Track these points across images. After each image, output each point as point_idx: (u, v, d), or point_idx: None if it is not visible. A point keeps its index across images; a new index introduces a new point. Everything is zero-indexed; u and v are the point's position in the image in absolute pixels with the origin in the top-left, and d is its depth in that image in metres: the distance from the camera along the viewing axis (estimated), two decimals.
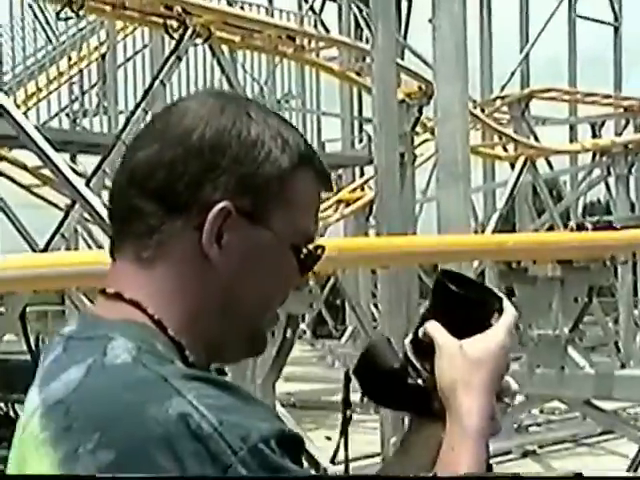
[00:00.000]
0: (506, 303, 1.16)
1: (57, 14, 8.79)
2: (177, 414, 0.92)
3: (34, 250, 8.74)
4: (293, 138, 1.08)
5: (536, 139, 12.86)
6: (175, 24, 8.45)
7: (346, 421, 1.19)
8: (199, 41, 8.73)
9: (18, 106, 9.37)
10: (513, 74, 16.61)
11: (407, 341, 1.13)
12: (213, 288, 1.04)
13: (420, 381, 1.12)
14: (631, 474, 5.87)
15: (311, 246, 1.09)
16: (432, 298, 1.14)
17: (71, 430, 0.93)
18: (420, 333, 1.13)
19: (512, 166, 12.49)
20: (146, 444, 0.91)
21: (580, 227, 6.34)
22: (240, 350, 1.12)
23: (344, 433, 1.22)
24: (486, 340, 1.11)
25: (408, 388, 1.12)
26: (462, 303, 1.11)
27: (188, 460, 0.91)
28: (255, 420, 0.93)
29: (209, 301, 1.05)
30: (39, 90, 10.65)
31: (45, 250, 7.25)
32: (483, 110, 13.27)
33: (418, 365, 1.12)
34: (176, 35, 8.45)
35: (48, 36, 11.07)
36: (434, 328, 1.12)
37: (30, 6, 10.54)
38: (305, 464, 0.99)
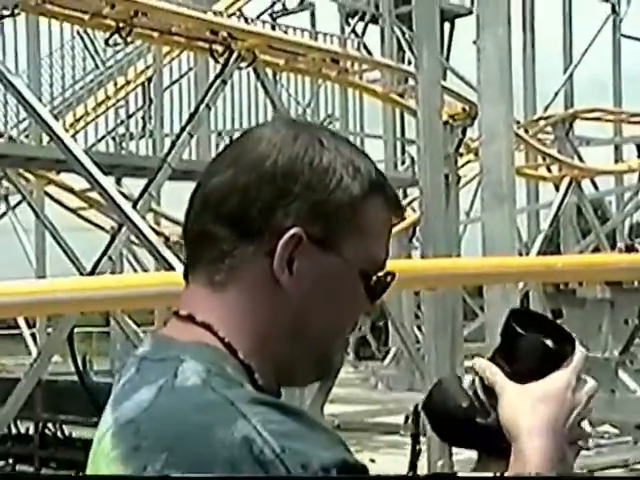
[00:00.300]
0: (577, 345, 1.12)
1: (106, 41, 8.90)
2: (241, 437, 0.93)
3: (81, 273, 8.82)
4: (364, 166, 1.09)
5: (580, 159, 12.78)
6: (220, 48, 8.54)
7: (415, 455, 1.21)
8: (244, 65, 8.80)
9: (66, 130, 9.49)
10: (557, 94, 16.51)
11: (477, 379, 1.12)
12: (284, 313, 1.06)
13: (489, 420, 1.10)
14: None
15: (381, 273, 1.09)
16: (501, 339, 1.12)
17: (140, 449, 0.94)
18: None
19: (556, 187, 12.42)
20: (211, 466, 0.92)
21: (629, 248, 6.28)
22: (309, 374, 1.12)
23: (413, 468, 1.23)
24: (549, 381, 1.09)
25: (477, 427, 1.11)
26: (532, 349, 1.09)
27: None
28: (317, 448, 0.93)
29: (279, 326, 1.06)
30: (87, 114, 10.80)
31: (92, 273, 7.32)
32: (527, 131, 13.22)
33: (487, 404, 1.11)
34: (221, 59, 8.54)
35: (95, 61, 11.23)
36: (493, 372, 1.11)
37: (78, 32, 10.70)
38: None
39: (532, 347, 1.09)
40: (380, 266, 1.10)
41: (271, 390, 1.05)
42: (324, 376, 1.15)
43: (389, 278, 1.11)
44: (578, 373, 1.09)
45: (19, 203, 12.69)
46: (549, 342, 1.09)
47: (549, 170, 13.50)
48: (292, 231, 1.03)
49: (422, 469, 6.24)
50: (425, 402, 1.15)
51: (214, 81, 8.52)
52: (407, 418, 9.73)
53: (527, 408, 1.07)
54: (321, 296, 1.06)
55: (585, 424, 1.11)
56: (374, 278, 1.08)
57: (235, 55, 8.44)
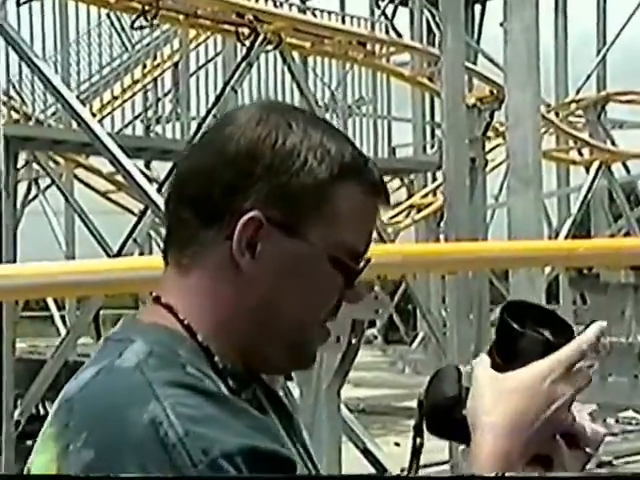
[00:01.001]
0: (577, 337, 1.03)
1: (132, 23, 8.95)
2: (149, 419, 0.93)
3: (108, 255, 8.90)
4: (337, 149, 1.06)
5: (613, 143, 12.66)
6: (246, 31, 8.54)
7: (416, 451, 1.09)
8: (270, 48, 8.80)
9: (94, 114, 9.56)
10: (589, 76, 16.33)
11: (466, 369, 1.08)
12: (246, 297, 1.04)
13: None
14: None
15: (355, 260, 1.06)
16: (496, 334, 1.07)
17: (68, 427, 0.96)
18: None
19: (587, 170, 12.32)
20: (120, 447, 0.93)
21: None
22: (283, 362, 1.09)
23: (415, 463, 1.15)
24: (524, 372, 1.00)
25: (457, 418, 1.05)
26: (525, 341, 1.03)
27: (150, 467, 0.93)
28: (226, 434, 0.92)
29: (242, 310, 1.05)
30: (114, 98, 10.87)
31: (118, 255, 7.39)
32: (558, 114, 13.11)
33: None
34: (247, 42, 8.55)
35: (125, 44, 11.29)
36: (478, 361, 1.04)
37: (108, 15, 10.76)
38: None
39: (527, 341, 1.03)
40: (355, 252, 1.06)
41: (237, 373, 1.04)
42: (301, 367, 1.12)
43: (362, 264, 1.07)
44: (568, 363, 0.99)
45: (49, 186, 12.81)
46: (546, 333, 1.03)
47: (580, 154, 13.39)
48: (250, 214, 1.02)
49: (443, 453, 6.24)
50: (424, 392, 1.12)
51: (240, 64, 8.55)
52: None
53: (490, 401, 0.99)
54: (287, 282, 1.04)
55: (597, 428, 1.01)
56: (346, 265, 1.05)
57: (261, 38, 8.45)
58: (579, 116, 13.48)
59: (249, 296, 1.04)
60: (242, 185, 1.04)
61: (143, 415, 0.93)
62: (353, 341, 5.20)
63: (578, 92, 15.52)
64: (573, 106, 13.55)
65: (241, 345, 1.05)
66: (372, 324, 14.65)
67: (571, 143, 13.19)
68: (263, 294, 1.04)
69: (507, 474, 0.93)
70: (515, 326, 1.03)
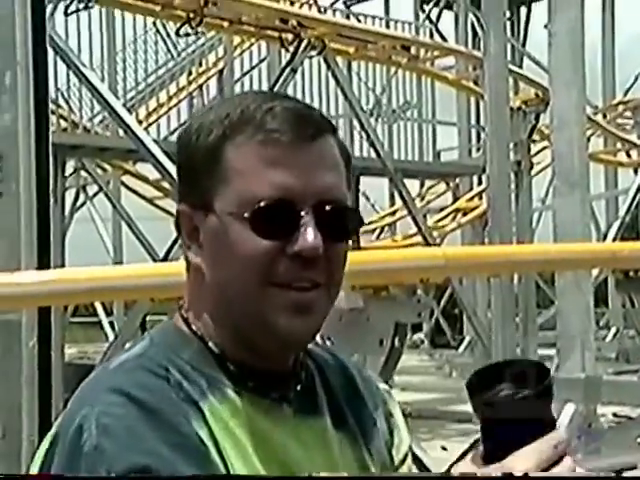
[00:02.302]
0: (565, 411, 0.92)
1: (177, 31, 9.05)
2: (78, 424, 0.94)
3: (155, 260, 9.00)
4: (230, 112, 1.02)
5: None
6: (290, 37, 8.60)
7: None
8: (314, 53, 8.84)
9: (140, 122, 9.69)
10: (638, 77, 16.17)
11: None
12: (205, 283, 1.03)
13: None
14: None
15: (263, 203, 0.98)
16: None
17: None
18: None
19: (636, 172, 12.21)
20: (64, 443, 0.95)
21: None
22: (263, 341, 1.02)
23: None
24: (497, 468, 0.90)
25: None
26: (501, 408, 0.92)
27: (69, 471, 0.94)
28: (127, 451, 0.91)
29: (206, 296, 1.04)
30: (160, 106, 11.00)
31: (165, 260, 7.48)
32: (605, 116, 13.00)
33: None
34: (291, 48, 8.60)
35: (171, 52, 11.41)
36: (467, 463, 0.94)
37: (154, 24, 10.89)
38: None
39: (503, 407, 0.92)
40: (263, 198, 0.99)
41: (237, 363, 1.03)
42: (281, 342, 1.02)
43: (275, 201, 0.98)
44: (541, 461, 0.89)
45: (96, 193, 12.98)
46: (525, 392, 0.91)
47: (628, 155, 13.27)
48: (179, 208, 1.05)
49: None
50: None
51: (284, 69, 8.60)
52: None
53: None
54: (220, 258, 1.01)
55: None
56: (252, 213, 0.98)
57: (305, 43, 8.50)
58: (627, 117, 13.35)
59: (210, 286, 1.03)
60: (178, 184, 1.08)
61: (77, 419, 0.95)
62: (396, 344, 5.25)
63: (626, 93, 15.39)
64: (621, 107, 13.43)
65: (232, 336, 1.03)
66: (419, 328, 14.63)
67: (619, 145, 13.07)
68: (214, 278, 1.02)
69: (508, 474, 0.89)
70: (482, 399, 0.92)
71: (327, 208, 1.01)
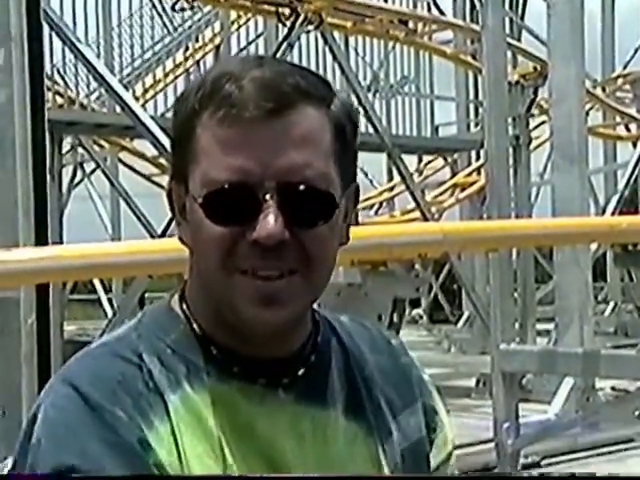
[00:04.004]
0: None
1: (173, 6, 9.01)
2: (32, 414, 0.94)
3: (152, 237, 9.01)
4: (204, 80, 0.96)
5: None
6: (287, 12, 8.54)
7: None
8: (311, 28, 8.80)
9: (137, 98, 9.67)
10: (637, 50, 16.12)
11: None
12: (193, 262, 1.00)
13: None
14: None
15: (214, 188, 0.93)
16: None
17: None
18: None
19: (635, 146, 12.18)
20: (23, 428, 0.96)
21: None
22: (239, 326, 0.97)
23: None
24: None
25: None
26: None
27: (16, 456, 0.94)
28: (60, 449, 0.90)
29: (196, 281, 1.01)
30: (157, 82, 10.97)
31: (162, 236, 7.48)
32: (604, 89, 12.97)
33: None
34: (288, 23, 8.55)
35: (167, 28, 11.37)
36: None
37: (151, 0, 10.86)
38: None
39: None
40: (219, 182, 0.92)
41: (222, 347, 0.99)
42: (249, 333, 0.97)
43: (230, 185, 0.92)
44: None
45: (94, 170, 12.96)
46: None
47: (628, 129, 13.25)
48: (167, 185, 1.01)
49: (488, 431, 6.27)
50: None
51: (280, 44, 8.56)
52: (478, 381, 9.74)
53: None
54: (194, 235, 0.97)
55: None
56: (206, 197, 0.93)
57: (301, 18, 8.43)
58: (627, 91, 13.31)
59: (196, 263, 0.99)
60: (170, 159, 1.02)
61: (34, 409, 0.95)
62: (394, 319, 5.26)
63: (626, 66, 15.34)
64: (620, 81, 13.38)
65: (215, 320, 0.99)
66: (417, 304, 14.66)
67: (618, 119, 13.05)
68: (195, 256, 0.99)
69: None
70: None
71: (293, 190, 0.92)
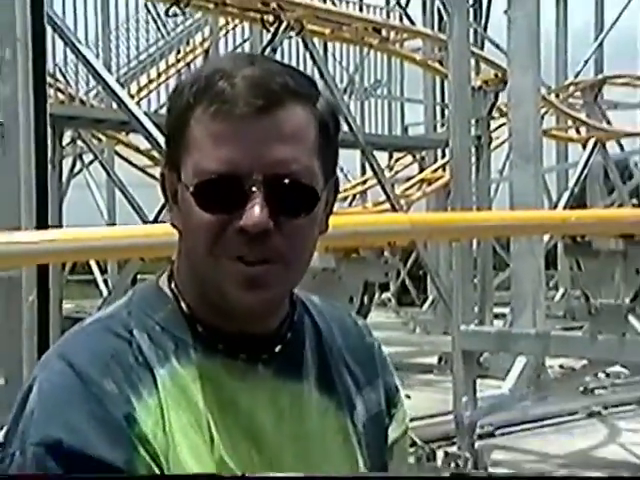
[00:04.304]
0: None
1: (166, 11, 8.95)
2: (28, 387, 0.93)
3: (145, 223, 8.96)
4: (198, 77, 0.94)
5: (608, 122, 12.56)
6: (271, 19, 8.52)
7: None
8: (293, 34, 8.77)
9: (133, 96, 9.61)
10: (587, 61, 16.19)
11: None
12: (182, 245, 0.99)
13: None
14: None
15: (205, 178, 0.91)
16: None
17: None
18: None
19: (584, 147, 12.25)
20: (18, 397, 0.94)
21: None
22: (224, 306, 0.96)
23: None
24: None
25: None
26: None
27: (10, 423, 0.92)
28: (49, 422, 0.88)
29: (185, 263, 0.99)
30: (151, 81, 10.93)
31: (154, 223, 7.44)
32: (558, 95, 13.01)
33: None
34: (272, 29, 8.52)
35: (161, 32, 11.30)
36: None
37: (145, 5, 10.77)
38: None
39: None
40: (210, 173, 0.91)
41: (208, 325, 0.97)
42: (233, 313, 0.96)
43: (219, 176, 0.91)
44: None
45: (92, 162, 12.87)
46: None
47: (578, 132, 13.28)
48: (160, 171, 0.99)
49: (449, 404, 6.30)
50: None
51: (264, 49, 8.53)
52: (440, 359, 9.77)
53: None
54: (185, 222, 0.95)
55: None
56: (197, 186, 0.92)
57: (284, 25, 8.41)
58: (577, 98, 13.36)
59: (185, 247, 0.98)
60: (163, 151, 1.00)
61: (30, 381, 0.93)
62: (365, 302, 5.26)
63: (577, 76, 15.36)
64: (572, 88, 13.43)
65: (201, 299, 0.98)
66: (386, 288, 14.66)
67: (570, 122, 13.09)
68: (185, 243, 0.97)
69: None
70: None
71: (279, 183, 0.91)
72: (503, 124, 11.51)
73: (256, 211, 0.90)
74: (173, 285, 0.99)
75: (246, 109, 0.90)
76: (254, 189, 0.90)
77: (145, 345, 0.94)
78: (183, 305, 0.98)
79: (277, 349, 0.99)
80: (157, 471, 0.89)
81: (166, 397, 0.92)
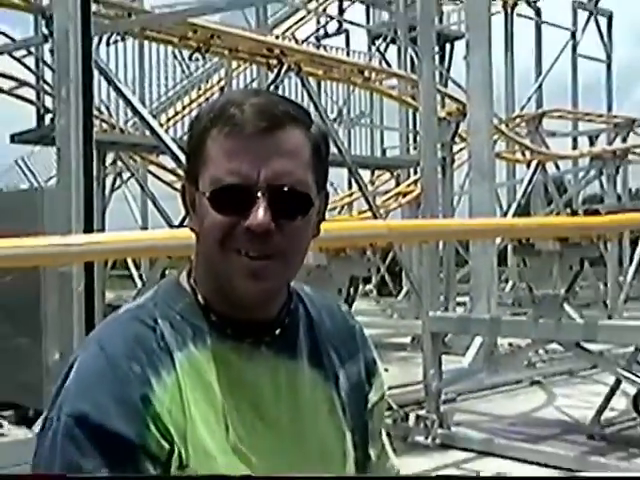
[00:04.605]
0: None
1: (190, 56, 8.95)
2: (70, 364, 0.92)
3: (171, 227, 8.94)
4: (214, 106, 0.94)
5: (547, 147, 12.61)
6: (275, 62, 8.53)
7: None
8: (292, 74, 8.79)
9: (162, 125, 9.60)
10: (530, 98, 16.30)
11: None
12: (198, 246, 0.97)
13: None
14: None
15: (218, 186, 0.91)
16: None
17: None
18: None
19: (528, 167, 12.28)
20: (61, 372, 0.93)
21: (589, 212, 6.16)
22: (233, 295, 0.93)
23: None
24: None
25: None
26: None
27: (54, 393, 0.91)
28: (78, 397, 0.87)
29: (201, 261, 0.97)
30: (176, 113, 10.91)
31: (178, 227, 7.43)
32: (507, 125, 13.04)
33: None
34: (275, 70, 8.54)
35: (185, 73, 11.27)
36: None
37: (172, 51, 10.75)
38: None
39: None
40: (223, 182, 0.91)
41: (218, 313, 0.95)
42: (239, 301, 0.93)
43: (229, 184, 0.90)
44: None
45: (129, 178, 12.84)
46: None
47: (523, 154, 13.32)
48: (181, 184, 0.98)
49: (419, 375, 6.28)
50: None
51: (269, 87, 8.53)
52: (413, 339, 9.75)
53: None
54: (200, 224, 0.94)
55: None
56: (212, 197, 0.91)
57: (285, 67, 8.43)
58: (522, 127, 13.41)
59: (199, 247, 0.96)
60: (184, 167, 1.01)
61: (72, 360, 0.92)
62: (351, 293, 5.26)
63: (522, 109, 15.49)
64: (518, 120, 13.51)
65: (215, 292, 0.95)
66: (368, 281, 14.65)
67: (517, 147, 13.13)
68: (200, 244, 0.95)
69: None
70: None
71: (279, 191, 0.90)
72: (463, 148, 11.57)
73: (260, 213, 0.89)
74: (192, 281, 0.98)
75: (253, 130, 0.89)
76: (259, 195, 0.89)
77: (167, 332, 0.92)
78: (200, 298, 0.96)
79: (277, 332, 0.98)
80: (166, 445, 0.87)
81: (183, 376, 0.91)
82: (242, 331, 0.95)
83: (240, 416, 0.92)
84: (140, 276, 13.79)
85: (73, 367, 0.90)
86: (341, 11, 16.18)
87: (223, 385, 0.92)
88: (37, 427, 4.94)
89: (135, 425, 0.86)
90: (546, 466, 4.94)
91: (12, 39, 9.27)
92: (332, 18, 15.90)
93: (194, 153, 0.93)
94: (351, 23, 16.31)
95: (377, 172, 14.33)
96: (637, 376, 5.26)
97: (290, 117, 0.92)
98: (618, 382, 5.61)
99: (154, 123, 7.19)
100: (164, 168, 10.81)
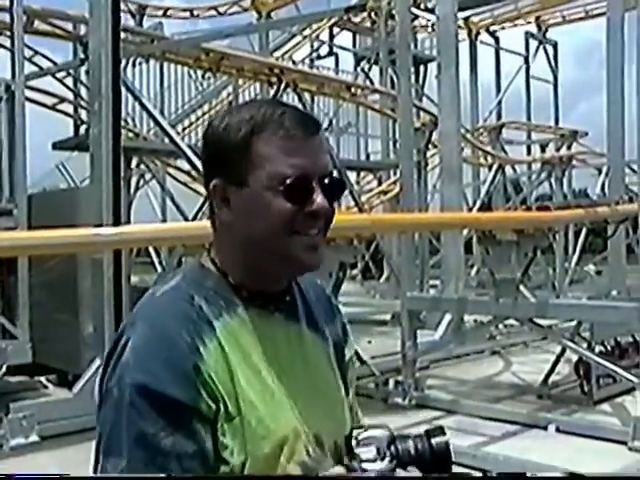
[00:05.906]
0: None
1: (203, 75, 8.92)
2: (126, 339, 0.89)
3: (187, 220, 8.91)
4: (254, 115, 0.94)
5: (505, 153, 12.66)
6: (275, 80, 8.51)
7: None
8: (290, 90, 8.77)
9: (179, 133, 9.56)
10: (491, 112, 16.35)
11: None
12: (236, 236, 0.97)
13: None
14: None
15: (290, 180, 0.92)
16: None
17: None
18: None
19: (490, 170, 12.31)
20: (115, 348, 0.91)
21: (541, 208, 6.18)
22: (280, 272, 0.98)
23: None
24: None
25: None
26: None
27: (106, 367, 0.90)
28: (137, 368, 0.86)
29: (234, 243, 0.97)
30: (191, 124, 10.87)
31: (192, 220, 7.43)
32: (473, 134, 13.06)
33: None
34: (275, 86, 8.52)
35: (198, 89, 11.23)
36: None
37: (188, 71, 10.70)
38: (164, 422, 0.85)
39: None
40: (285, 176, 0.92)
41: (246, 288, 0.97)
42: (296, 272, 0.98)
43: (297, 177, 0.92)
44: None
45: (151, 179, 12.79)
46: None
47: (486, 159, 13.36)
48: (213, 183, 0.96)
49: (398, 347, 6.29)
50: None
51: None
52: (393, 316, 9.75)
53: None
54: (250, 215, 0.94)
55: None
56: (280, 188, 0.92)
57: (284, 84, 8.42)
58: (485, 136, 13.44)
59: (234, 233, 0.96)
60: (209, 163, 0.98)
61: (127, 333, 0.91)
62: (340, 276, 5.28)
63: (485, 121, 15.50)
64: (481, 130, 13.54)
65: (250, 269, 0.97)
66: (355, 266, 14.65)
67: (480, 153, 13.15)
68: (240, 228, 0.95)
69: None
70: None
71: (327, 180, 0.94)
72: (435, 153, 11.58)
73: (320, 199, 0.93)
74: (218, 262, 0.99)
75: (302, 133, 0.93)
76: (314, 184, 0.93)
77: (204, 305, 0.93)
78: (230, 277, 0.98)
79: (287, 299, 1.02)
80: (213, 406, 0.88)
81: (223, 341, 0.92)
82: (264, 300, 0.98)
83: (267, 365, 0.95)
84: (160, 262, 13.76)
85: (123, 345, 0.89)
86: (331, 37, 16.15)
87: (253, 344, 0.94)
88: (76, 389, 4.95)
89: (188, 391, 0.87)
90: (503, 421, 4.99)
91: (54, 62, 9.59)
92: (324, 43, 15.87)
93: (235, 156, 0.93)
94: (340, 47, 16.29)
95: (362, 173, 14.33)
96: (578, 346, 5.31)
97: (317, 122, 0.97)
98: (563, 351, 5.66)
99: (172, 132, 7.18)
100: (181, 170, 10.79)
